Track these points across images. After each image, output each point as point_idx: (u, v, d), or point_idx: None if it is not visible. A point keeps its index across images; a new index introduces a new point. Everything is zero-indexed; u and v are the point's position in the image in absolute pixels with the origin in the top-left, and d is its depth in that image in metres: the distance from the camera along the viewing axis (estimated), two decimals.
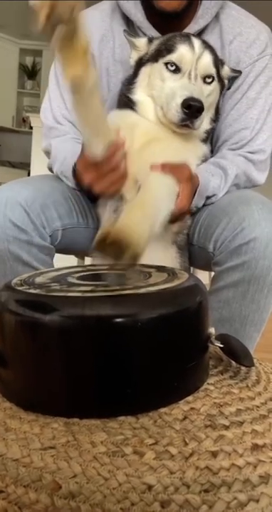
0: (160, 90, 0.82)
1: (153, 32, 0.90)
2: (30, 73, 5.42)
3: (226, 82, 0.88)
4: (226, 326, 0.81)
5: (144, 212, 0.64)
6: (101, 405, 0.42)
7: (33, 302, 0.44)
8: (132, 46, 0.87)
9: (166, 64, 0.81)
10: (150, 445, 0.38)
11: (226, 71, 0.87)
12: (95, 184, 0.79)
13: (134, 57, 0.87)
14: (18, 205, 0.80)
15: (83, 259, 1.25)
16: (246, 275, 0.75)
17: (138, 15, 0.90)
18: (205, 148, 0.89)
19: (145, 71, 0.85)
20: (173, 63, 0.80)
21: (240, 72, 0.88)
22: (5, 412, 0.44)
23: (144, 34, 0.89)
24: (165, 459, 0.36)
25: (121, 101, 0.90)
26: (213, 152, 0.97)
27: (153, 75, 0.83)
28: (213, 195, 0.87)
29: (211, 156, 0.93)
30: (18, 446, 0.38)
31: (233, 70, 0.88)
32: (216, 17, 0.90)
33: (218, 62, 0.84)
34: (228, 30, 0.90)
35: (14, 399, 0.45)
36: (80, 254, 1.22)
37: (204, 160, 0.90)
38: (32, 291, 0.46)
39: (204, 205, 0.88)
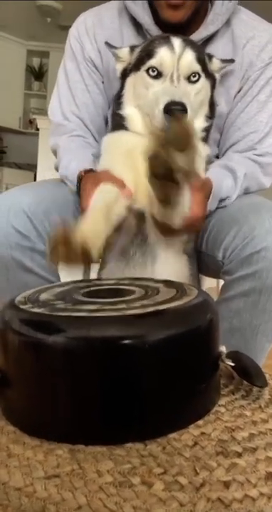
0: (145, 98, 0.78)
1: None
2: (37, 75, 5.42)
3: (217, 75, 0.84)
4: (237, 335, 0.79)
5: None
6: (107, 431, 0.40)
7: (37, 322, 0.42)
8: (116, 58, 0.84)
9: (147, 70, 0.78)
10: (159, 475, 0.36)
11: (215, 64, 0.83)
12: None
13: (119, 68, 0.85)
14: (21, 211, 0.79)
15: (89, 264, 1.23)
16: (257, 285, 0.74)
17: (146, 17, 0.88)
18: (207, 148, 0.86)
19: (130, 82, 0.82)
20: (154, 68, 0.77)
21: (232, 60, 0.84)
22: (8, 436, 0.42)
23: None
24: (175, 490, 0.35)
25: (114, 121, 0.88)
26: (218, 157, 0.95)
27: (137, 84, 0.81)
28: (227, 197, 0.85)
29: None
30: (20, 474, 0.37)
31: (224, 61, 0.83)
32: (227, 22, 0.88)
33: (203, 58, 0.80)
34: (240, 35, 0.88)
35: (18, 423, 0.43)
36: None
37: (208, 160, 0.87)
38: (36, 310, 0.44)
39: (216, 209, 0.85)
